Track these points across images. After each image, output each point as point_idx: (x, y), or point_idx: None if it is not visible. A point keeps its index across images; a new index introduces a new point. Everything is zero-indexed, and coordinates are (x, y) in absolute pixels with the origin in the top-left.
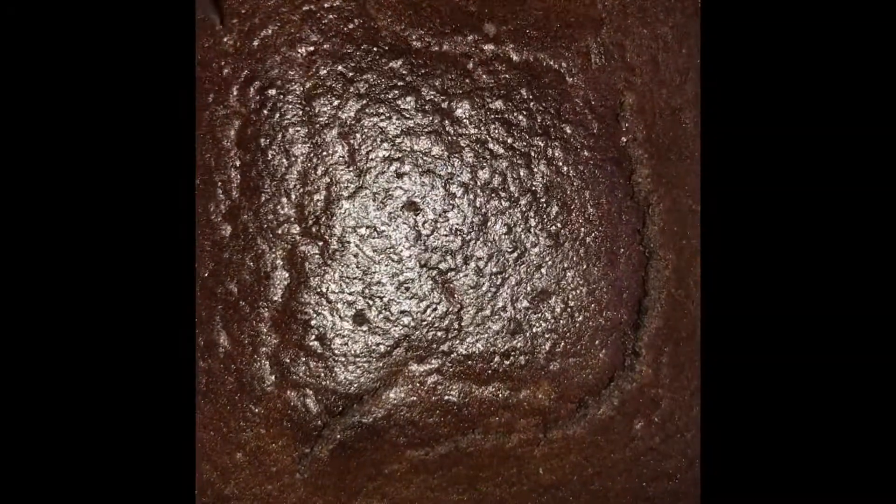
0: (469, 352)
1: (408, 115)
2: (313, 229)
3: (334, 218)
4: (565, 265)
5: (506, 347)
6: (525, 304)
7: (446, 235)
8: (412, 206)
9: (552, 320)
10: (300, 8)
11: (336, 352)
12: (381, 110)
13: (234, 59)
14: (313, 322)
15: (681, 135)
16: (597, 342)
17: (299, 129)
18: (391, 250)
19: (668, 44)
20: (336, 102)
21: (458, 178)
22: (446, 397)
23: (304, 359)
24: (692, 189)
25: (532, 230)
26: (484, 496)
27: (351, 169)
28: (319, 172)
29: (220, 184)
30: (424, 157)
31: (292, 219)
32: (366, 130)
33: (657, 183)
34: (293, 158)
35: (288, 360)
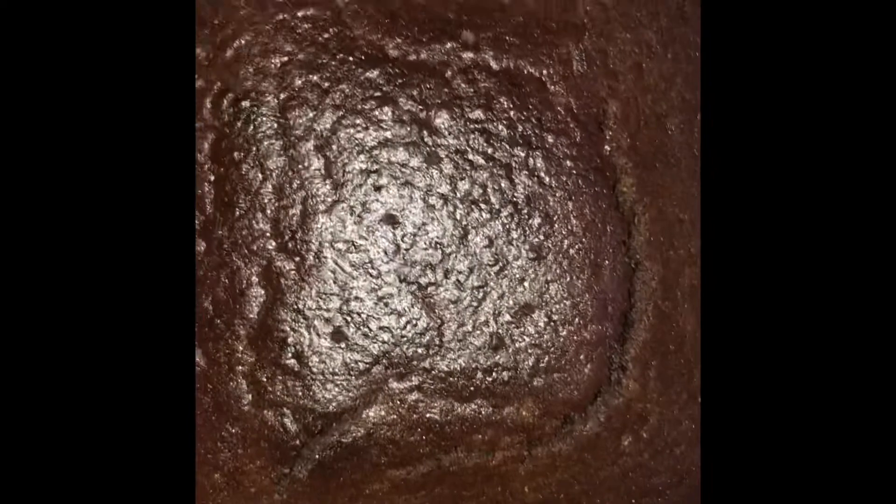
0: (451, 368)
1: (385, 126)
2: (289, 245)
3: (311, 233)
4: (548, 278)
5: (488, 363)
6: (507, 318)
7: (426, 249)
8: (390, 220)
9: (535, 335)
10: (274, 17)
11: (314, 370)
12: (357, 121)
13: (206, 71)
14: (290, 339)
15: (666, 142)
16: (582, 357)
17: (274, 141)
18: (369, 265)
19: (652, 49)
20: (311, 114)
21: (438, 190)
22: (427, 415)
23: (281, 377)
24: (679, 198)
25: (514, 243)
26: None
27: (327, 182)
28: (295, 186)
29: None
30: (402, 169)
31: (268, 234)
32: (342, 142)
33: (642, 192)
34: (268, 172)
35: (265, 379)
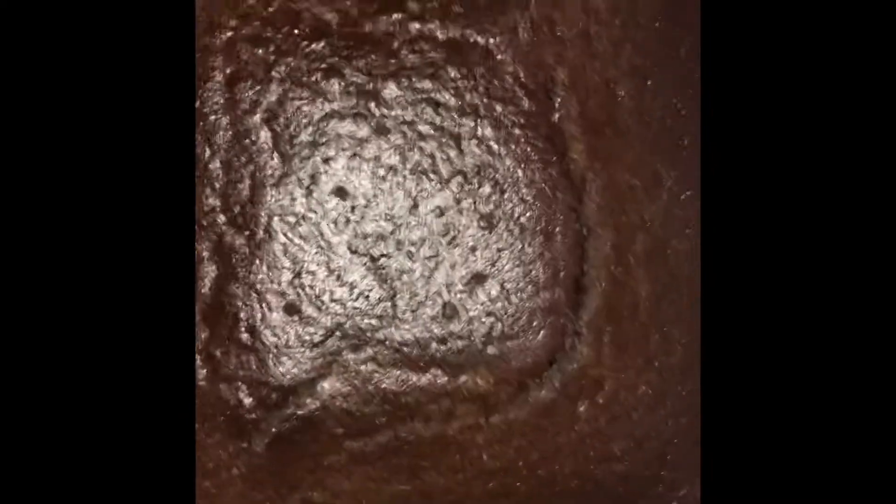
0: (404, 339)
1: (332, 98)
2: (239, 219)
3: (260, 206)
4: (500, 246)
5: (442, 333)
6: (460, 287)
7: (376, 220)
8: (340, 192)
9: (488, 303)
10: None
11: (267, 344)
12: (304, 94)
13: None
14: (242, 314)
15: (616, 109)
16: (535, 324)
17: (221, 116)
18: (320, 237)
19: (600, 16)
20: (258, 88)
21: (387, 161)
22: (383, 386)
23: (235, 352)
24: (630, 164)
25: (464, 212)
26: (427, 485)
27: (275, 155)
28: (243, 160)
29: None
30: (350, 141)
31: (217, 209)
32: (289, 115)
33: (593, 159)
34: (216, 147)
35: (219, 354)
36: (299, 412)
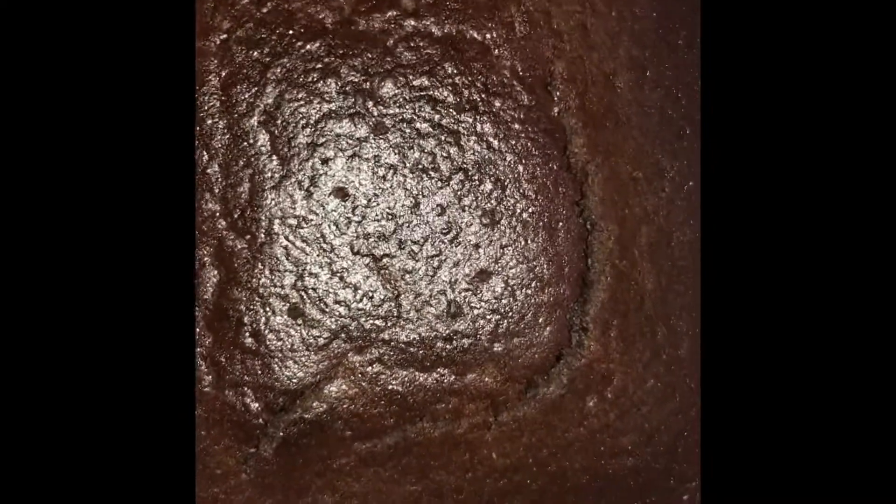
0: (410, 338)
1: (329, 98)
2: (239, 223)
3: (260, 210)
4: (503, 243)
5: (448, 331)
6: (464, 285)
7: (378, 220)
8: (340, 193)
9: (493, 300)
10: None
11: (272, 348)
12: (300, 95)
13: None
14: (246, 319)
15: (616, 100)
16: (541, 320)
17: (217, 120)
18: (321, 239)
19: (596, 7)
20: (254, 90)
21: (386, 161)
22: (390, 387)
23: (239, 357)
24: (632, 155)
25: (466, 209)
26: (438, 485)
27: (274, 158)
28: (241, 164)
29: None
30: (349, 141)
31: (217, 213)
32: (286, 117)
33: (594, 152)
34: (213, 151)
35: (224, 360)
36: (306, 416)
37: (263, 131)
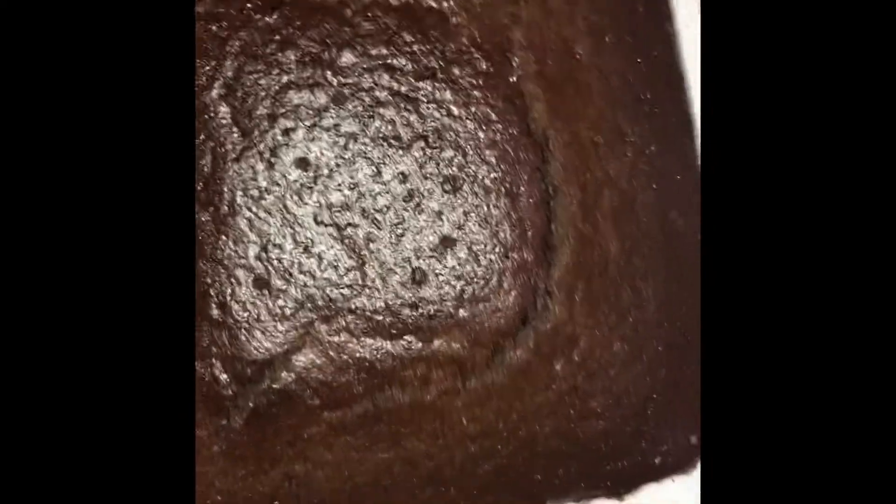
0: (376, 306)
1: (288, 69)
2: (202, 195)
3: (223, 182)
4: (465, 209)
5: (413, 299)
6: (428, 252)
7: (340, 189)
8: (302, 163)
9: (457, 266)
10: None
11: (238, 318)
12: (259, 67)
13: None
14: (212, 291)
15: (575, 66)
16: (505, 285)
17: None
18: (285, 210)
19: None
20: (213, 63)
21: (346, 130)
22: (357, 355)
23: (207, 329)
24: (592, 120)
25: (428, 177)
26: (409, 452)
27: (234, 130)
28: (202, 137)
29: None
30: (309, 111)
31: None
32: (246, 89)
33: (554, 117)
34: None
35: None
36: (275, 386)
37: (224, 104)
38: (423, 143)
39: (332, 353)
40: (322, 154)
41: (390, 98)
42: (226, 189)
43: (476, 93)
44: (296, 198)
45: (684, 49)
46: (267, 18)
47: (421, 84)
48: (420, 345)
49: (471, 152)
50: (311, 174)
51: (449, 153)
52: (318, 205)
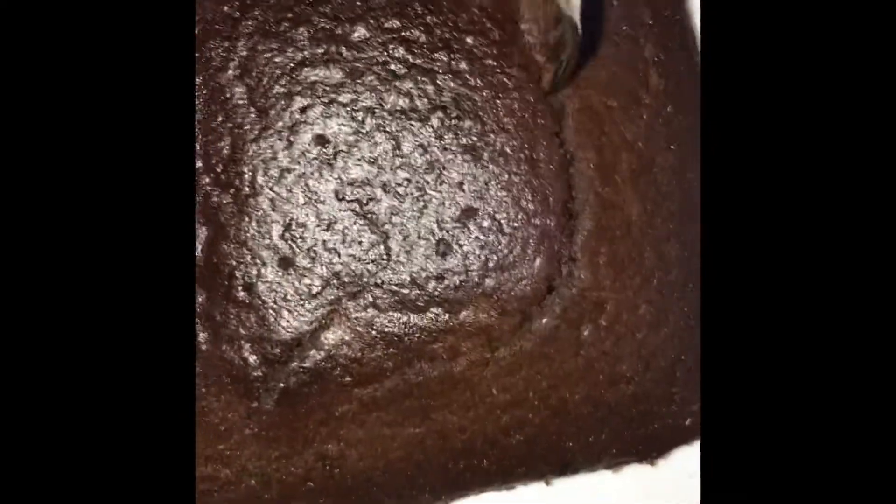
0: (402, 280)
1: (302, 46)
2: (223, 177)
3: (242, 163)
4: (486, 178)
5: (438, 270)
6: (451, 223)
7: (360, 164)
8: (321, 140)
9: (481, 236)
10: None
11: (265, 299)
12: (273, 45)
13: None
14: (238, 273)
15: (584, 31)
16: (530, 252)
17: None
18: (306, 188)
19: None
20: (227, 44)
21: (364, 104)
22: (386, 330)
23: (234, 311)
24: (605, 84)
25: (447, 147)
26: (440, 425)
27: (252, 110)
28: (220, 118)
29: None
30: (325, 87)
31: (200, 170)
32: (261, 68)
33: (566, 82)
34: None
35: (218, 316)
36: (305, 365)
37: (240, 84)
38: (441, 114)
39: (360, 329)
40: (340, 130)
41: (406, 70)
42: (246, 170)
43: (490, 61)
44: (316, 175)
45: (693, 4)
46: None
47: (436, 55)
48: (447, 316)
49: (489, 121)
50: (331, 151)
51: (467, 123)
52: (339, 181)
